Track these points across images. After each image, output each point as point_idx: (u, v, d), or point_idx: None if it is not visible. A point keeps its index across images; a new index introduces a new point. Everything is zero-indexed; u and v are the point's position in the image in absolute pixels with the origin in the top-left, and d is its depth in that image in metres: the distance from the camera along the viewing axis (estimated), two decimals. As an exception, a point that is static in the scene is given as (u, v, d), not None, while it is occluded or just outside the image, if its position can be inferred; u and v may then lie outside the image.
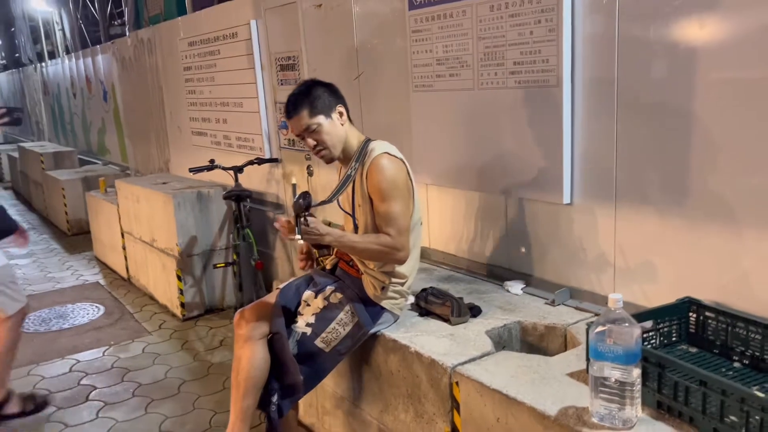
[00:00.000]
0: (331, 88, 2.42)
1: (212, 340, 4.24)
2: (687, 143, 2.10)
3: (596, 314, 2.45)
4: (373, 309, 2.42)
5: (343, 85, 3.65)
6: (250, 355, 2.39)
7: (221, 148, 5.20)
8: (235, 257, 4.70)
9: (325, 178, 4.06)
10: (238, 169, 4.42)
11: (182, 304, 4.60)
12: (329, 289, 2.47)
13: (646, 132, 2.22)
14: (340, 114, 2.41)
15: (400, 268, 2.43)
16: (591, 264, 2.52)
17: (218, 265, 4.48)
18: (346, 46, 3.61)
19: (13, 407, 3.33)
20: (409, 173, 2.38)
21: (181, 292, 4.57)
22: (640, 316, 1.95)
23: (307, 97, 2.35)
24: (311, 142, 2.38)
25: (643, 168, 2.25)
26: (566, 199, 2.52)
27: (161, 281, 4.89)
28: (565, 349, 2.39)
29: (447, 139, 3.02)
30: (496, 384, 1.94)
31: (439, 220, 3.23)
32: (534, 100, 2.55)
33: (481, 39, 2.73)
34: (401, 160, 2.37)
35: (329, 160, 2.44)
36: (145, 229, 5.09)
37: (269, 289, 3.97)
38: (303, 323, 2.41)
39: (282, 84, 4.31)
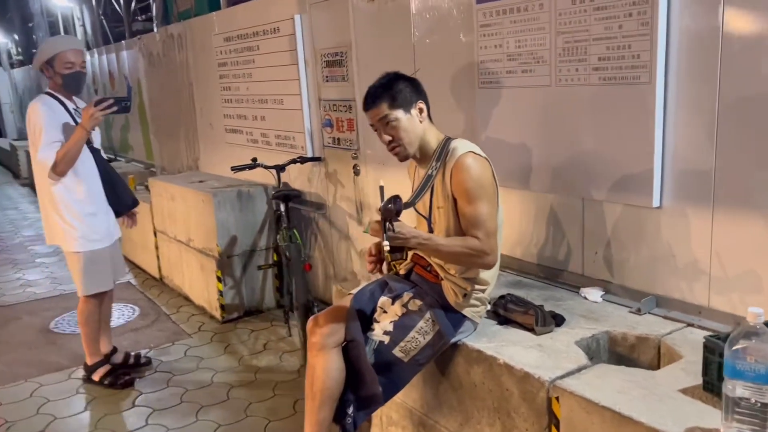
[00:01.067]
0: (413, 83, 2.31)
1: (255, 343, 4.12)
2: (803, 144, 1.97)
3: (689, 324, 2.32)
4: (454, 317, 2.30)
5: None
6: (324, 365, 2.27)
7: (258, 146, 5.09)
8: (275, 257, 4.60)
9: (372, 178, 3.93)
10: (280, 168, 4.31)
11: (222, 306, 4.49)
12: (407, 295, 2.35)
13: (753, 131, 2.08)
14: (420, 111, 2.29)
15: (482, 274, 2.31)
16: (681, 271, 2.38)
17: (263, 267, 4.37)
18: (402, 41, 3.48)
19: (118, 357, 3.81)
20: (493, 173, 2.26)
21: (221, 293, 4.46)
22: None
23: (389, 90, 2.24)
24: (386, 137, 2.26)
25: (749, 169, 2.12)
26: (656, 203, 2.39)
27: (198, 282, 4.78)
28: (659, 362, 2.26)
29: (517, 137, 2.89)
30: (605, 401, 1.81)
31: (505, 224, 3.10)
32: (622, 97, 2.42)
33: (561, 33, 2.60)
34: (486, 159, 2.25)
35: (403, 158, 2.32)
36: (180, 228, 4.98)
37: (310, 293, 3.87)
38: (380, 331, 2.29)
39: (327, 81, 4.19)
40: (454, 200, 2.23)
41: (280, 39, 4.50)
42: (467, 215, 2.18)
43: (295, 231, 3.86)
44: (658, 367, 2.26)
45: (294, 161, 4.32)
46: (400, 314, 2.30)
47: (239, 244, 4.50)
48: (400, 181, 3.62)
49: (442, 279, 2.32)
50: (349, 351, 2.31)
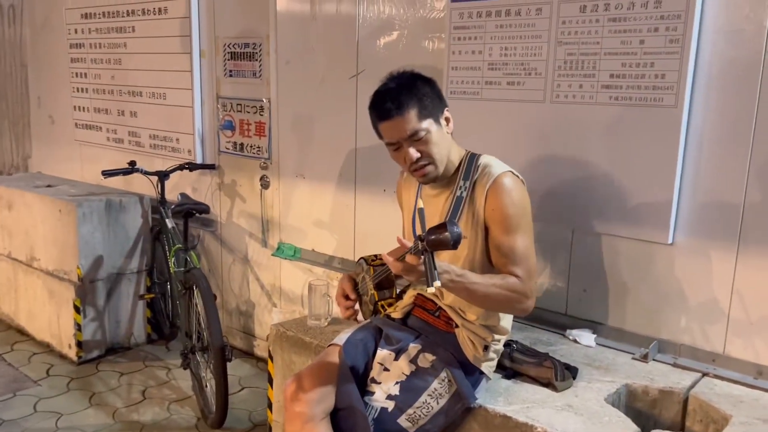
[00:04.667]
0: (435, 87, 1.85)
1: (130, 390, 3.32)
2: None
3: (703, 374, 2.12)
4: (471, 374, 1.87)
5: (335, 84, 3.08)
6: (313, 443, 1.72)
7: (124, 147, 4.23)
8: (148, 282, 3.82)
9: (289, 193, 3.37)
10: (163, 175, 3.57)
11: (79, 343, 3.59)
12: (413, 347, 1.87)
13: (795, 167, 1.93)
14: (447, 120, 1.85)
15: (503, 321, 1.91)
16: (693, 314, 2.18)
17: (146, 297, 3.57)
18: (342, 38, 2.99)
19: None
20: None
21: (79, 327, 3.57)
22: None
23: (414, 94, 1.76)
24: (414, 154, 1.77)
25: (786, 208, 1.96)
26: (670, 239, 2.17)
27: (42, 312, 3.82)
28: (683, 418, 2.02)
29: (496, 157, 2.54)
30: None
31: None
32: (638, 120, 2.18)
33: (562, 44, 2.30)
34: (523, 182, 1.87)
35: (431, 180, 1.85)
36: (18, 244, 3.96)
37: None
38: (382, 395, 1.79)
39: (231, 75, 3.55)
40: (486, 230, 1.81)
41: (168, 21, 3.76)
42: (504, 248, 1.77)
43: (192, 253, 3.16)
44: (682, 423, 2.03)
45: (181, 167, 3.60)
46: (408, 373, 1.82)
47: (105, 267, 3.65)
48: (336, 198, 3.12)
49: (456, 327, 1.88)
50: (339, 421, 1.77)
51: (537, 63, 2.38)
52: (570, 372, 2.05)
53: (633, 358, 2.23)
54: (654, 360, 2.22)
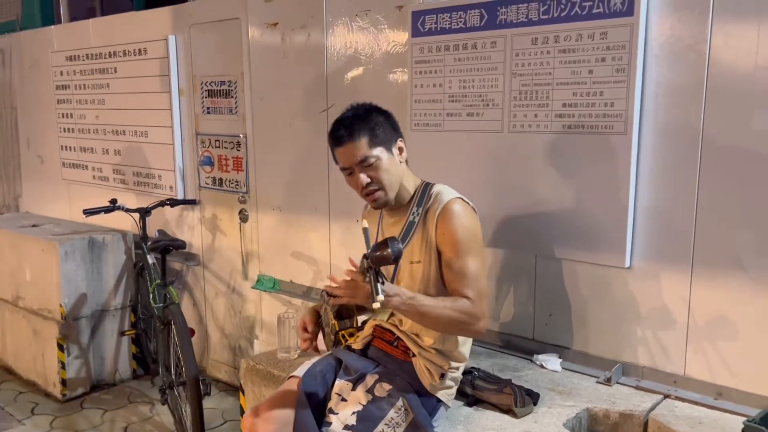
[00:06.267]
0: (390, 118, 1.94)
1: (112, 427, 3.34)
2: (798, 204, 1.89)
3: (665, 396, 2.14)
4: (428, 402, 1.89)
5: (307, 119, 3.15)
6: (270, 475, 1.74)
7: (109, 184, 4.31)
8: (132, 318, 3.86)
9: (267, 226, 3.42)
10: (145, 212, 3.63)
11: (63, 381, 3.62)
12: (371, 377, 1.90)
13: (741, 187, 1.98)
14: (400, 150, 1.92)
15: (460, 348, 1.94)
16: (653, 336, 2.21)
17: (127, 333, 3.60)
18: (312, 73, 3.07)
19: None
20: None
21: (63, 365, 3.60)
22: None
23: (366, 123, 1.85)
24: (364, 179, 1.85)
25: (735, 228, 2.00)
26: (627, 263, 2.21)
27: (28, 350, 3.85)
28: (644, 440, 2.04)
29: (456, 186, 2.58)
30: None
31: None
32: (590, 148, 2.23)
33: (517, 75, 2.37)
34: (473, 208, 1.92)
35: (382, 204, 1.92)
36: (5, 283, 4.01)
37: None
38: (339, 425, 1.82)
39: (209, 113, 3.63)
40: (438, 254, 1.86)
41: (148, 62, 3.86)
42: (455, 270, 1.82)
43: (171, 289, 3.21)
44: (643, 447, 2.04)
45: (163, 204, 3.66)
46: (364, 402, 1.84)
47: (88, 304, 3.70)
48: (312, 230, 3.16)
49: (413, 356, 1.92)
50: (297, 451, 1.80)
51: (494, 94, 2.45)
52: (531, 398, 2.07)
53: (597, 382, 2.26)
54: (618, 383, 2.25)
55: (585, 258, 2.31)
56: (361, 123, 1.85)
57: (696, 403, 2.08)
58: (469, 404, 2.08)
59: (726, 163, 2.00)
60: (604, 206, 2.23)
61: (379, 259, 1.59)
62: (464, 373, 2.12)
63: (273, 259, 3.46)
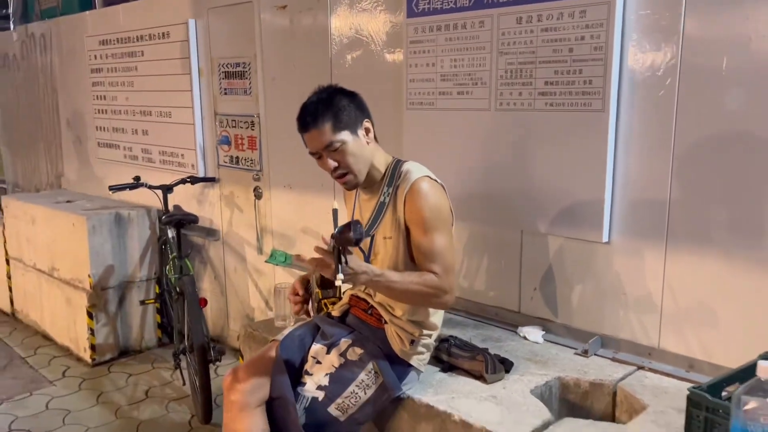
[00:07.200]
0: (356, 99, 2.01)
1: (135, 390, 3.57)
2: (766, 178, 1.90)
3: (639, 367, 2.19)
4: (399, 367, 2.00)
5: (310, 98, 3.26)
6: (246, 428, 1.88)
7: (138, 163, 4.53)
8: (157, 290, 4.08)
9: (279, 203, 3.57)
10: (167, 189, 3.82)
11: (92, 347, 3.87)
12: (345, 342, 2.02)
13: (713, 164, 2.00)
14: (367, 131, 2.00)
15: (432, 317, 2.04)
16: (630, 310, 2.25)
17: (146, 302, 3.82)
18: (318, 54, 3.18)
19: None
20: (449, 202, 2.02)
21: (92, 332, 3.85)
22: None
23: (330, 108, 1.92)
24: (331, 163, 1.94)
25: (707, 204, 2.03)
26: (605, 237, 2.26)
27: (62, 318, 4.12)
28: (614, 409, 2.10)
29: (448, 164, 2.66)
30: (588, 465, 1.60)
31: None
32: (570, 125, 2.27)
33: (503, 54, 2.42)
34: (442, 185, 2.00)
35: (353, 186, 2.01)
36: (42, 255, 4.29)
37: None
38: (313, 386, 1.95)
39: (226, 93, 3.78)
40: (407, 230, 1.95)
41: (170, 45, 4.03)
42: (423, 247, 1.91)
43: (187, 261, 3.39)
44: (613, 414, 2.10)
45: (184, 181, 3.85)
46: (337, 365, 1.97)
47: (115, 275, 3.93)
48: (320, 207, 3.30)
49: (386, 323, 2.03)
50: (274, 410, 1.94)
51: (482, 73, 2.51)
52: (504, 365, 2.15)
53: (575, 353, 2.32)
54: (596, 355, 2.30)
55: (567, 233, 2.36)
56: (324, 108, 1.91)
57: (667, 374, 2.12)
58: (444, 370, 2.18)
59: (700, 141, 2.02)
60: (584, 182, 2.27)
61: (344, 241, 1.68)
62: (442, 341, 2.23)
63: (285, 235, 3.60)
